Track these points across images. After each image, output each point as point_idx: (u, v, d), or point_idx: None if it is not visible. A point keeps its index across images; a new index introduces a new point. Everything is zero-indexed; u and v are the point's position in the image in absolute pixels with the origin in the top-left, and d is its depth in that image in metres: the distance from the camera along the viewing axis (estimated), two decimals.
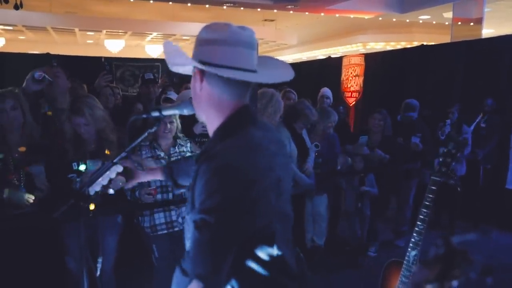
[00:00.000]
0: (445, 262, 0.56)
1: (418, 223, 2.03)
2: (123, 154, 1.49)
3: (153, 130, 1.49)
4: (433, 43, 8.65)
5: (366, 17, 11.74)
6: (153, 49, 16.45)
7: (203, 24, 1.28)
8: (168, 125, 2.84)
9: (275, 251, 1.20)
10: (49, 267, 2.62)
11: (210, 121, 1.30)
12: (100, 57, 9.02)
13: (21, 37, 16.94)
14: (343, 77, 8.59)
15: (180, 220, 2.83)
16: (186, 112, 1.36)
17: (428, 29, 13.42)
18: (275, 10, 10.96)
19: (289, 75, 1.32)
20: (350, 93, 8.42)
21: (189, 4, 10.29)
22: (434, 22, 12.63)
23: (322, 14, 11.18)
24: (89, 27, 14.28)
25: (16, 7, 4.64)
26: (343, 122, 6.24)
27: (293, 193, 1.34)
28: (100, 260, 2.39)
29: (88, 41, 18.03)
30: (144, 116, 1.48)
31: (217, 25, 1.25)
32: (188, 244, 1.28)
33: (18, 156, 2.51)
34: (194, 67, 1.26)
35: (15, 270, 2.45)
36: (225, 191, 1.10)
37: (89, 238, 2.41)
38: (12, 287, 2.49)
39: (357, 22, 13.02)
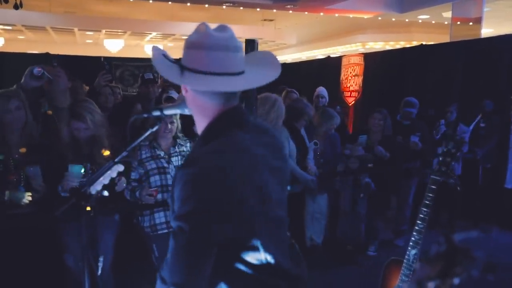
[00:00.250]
0: (447, 260, 0.56)
1: (418, 222, 2.03)
2: (124, 154, 1.49)
3: (154, 129, 1.49)
4: (432, 43, 8.67)
5: (366, 16, 11.76)
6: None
7: (201, 23, 1.27)
8: (169, 125, 2.85)
9: (262, 255, 1.19)
10: (47, 265, 2.62)
11: (198, 124, 1.30)
12: (100, 57, 9.02)
13: (21, 37, 16.93)
14: (342, 76, 8.59)
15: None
16: (187, 111, 1.36)
17: (427, 28, 13.44)
18: (275, 10, 10.97)
19: (274, 74, 1.29)
20: (349, 92, 8.42)
21: (188, 4, 10.30)
22: (433, 22, 12.66)
23: (322, 13, 11.20)
24: (88, 27, 14.28)
25: (16, 7, 4.64)
26: (341, 122, 6.26)
27: (293, 191, 1.34)
28: (101, 259, 2.39)
29: (88, 41, 18.02)
30: (145, 115, 1.48)
31: (197, 27, 1.23)
32: None
33: (18, 156, 2.51)
34: None
35: (13, 269, 2.45)
36: (199, 197, 1.09)
37: (88, 237, 2.41)
38: (11, 286, 2.50)
39: (356, 22, 13.04)
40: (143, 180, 2.86)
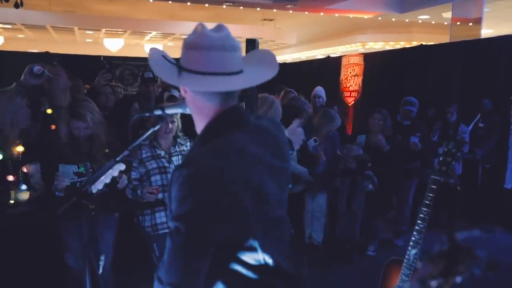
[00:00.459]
0: (449, 258, 0.57)
1: (419, 222, 2.04)
2: (126, 153, 1.49)
3: (156, 128, 1.50)
4: (432, 43, 8.68)
5: (366, 16, 11.76)
6: None
7: (199, 23, 1.27)
8: (170, 125, 2.85)
9: (260, 255, 1.20)
10: (48, 264, 2.62)
11: (197, 124, 1.30)
12: (99, 56, 9.02)
13: (20, 36, 16.93)
14: (342, 76, 8.61)
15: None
16: (189, 110, 1.36)
17: (427, 29, 13.45)
18: (275, 10, 10.97)
19: (271, 73, 1.28)
20: (349, 92, 8.43)
21: (188, 3, 10.29)
22: (433, 22, 12.67)
23: (322, 13, 11.20)
24: (88, 26, 14.28)
25: (16, 6, 4.64)
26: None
27: (293, 191, 1.33)
28: (102, 258, 2.39)
29: (87, 40, 18.02)
30: (147, 114, 1.48)
31: (195, 28, 1.23)
32: None
33: (16, 155, 2.51)
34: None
35: (14, 268, 2.45)
36: (195, 198, 1.09)
37: (89, 236, 2.41)
38: (11, 285, 2.50)
39: (356, 22, 13.04)
40: (143, 180, 2.86)
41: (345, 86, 8.53)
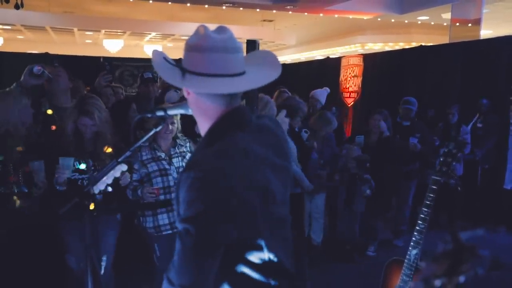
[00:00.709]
0: (453, 258, 0.57)
1: (419, 222, 2.04)
2: (128, 153, 1.50)
3: (158, 129, 1.50)
4: (431, 44, 8.69)
5: (365, 17, 11.78)
6: (151, 49, 16.41)
7: (200, 24, 1.28)
8: (170, 126, 2.85)
9: (266, 254, 1.21)
10: (49, 265, 2.62)
11: (201, 126, 1.30)
12: (99, 57, 9.02)
13: (20, 37, 16.92)
14: (341, 77, 8.61)
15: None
16: (191, 111, 1.37)
17: (427, 30, 13.47)
18: (274, 11, 10.98)
19: (275, 74, 1.29)
20: (348, 93, 8.44)
21: (188, 4, 10.30)
22: (432, 23, 12.69)
23: (321, 14, 11.21)
24: (87, 27, 14.28)
25: (17, 7, 4.65)
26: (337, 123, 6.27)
27: (293, 192, 1.34)
28: (104, 258, 2.40)
29: (87, 41, 18.02)
30: (149, 115, 1.48)
31: (197, 30, 1.23)
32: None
33: (16, 156, 2.51)
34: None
35: (15, 268, 2.45)
36: (204, 200, 1.09)
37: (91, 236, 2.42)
38: (12, 285, 2.50)
39: (356, 23, 13.07)
40: (144, 181, 2.86)
41: (344, 87, 8.53)
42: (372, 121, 4.54)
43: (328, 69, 9.00)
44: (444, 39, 9.87)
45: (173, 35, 15.33)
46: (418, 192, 4.75)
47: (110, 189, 1.66)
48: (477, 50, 6.01)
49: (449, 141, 2.03)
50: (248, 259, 1.20)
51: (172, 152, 2.92)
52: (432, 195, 2.01)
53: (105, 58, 9.03)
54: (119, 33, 15.43)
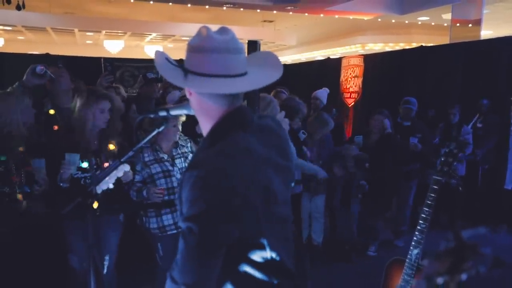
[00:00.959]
0: (455, 256, 0.58)
1: (420, 222, 2.05)
2: (130, 153, 1.51)
3: (161, 129, 1.51)
4: (432, 44, 8.69)
5: (366, 18, 11.79)
6: (152, 50, 16.45)
7: (202, 25, 1.28)
8: (173, 128, 2.85)
9: (268, 253, 1.21)
10: (51, 264, 2.63)
11: (203, 126, 1.31)
12: (100, 58, 9.03)
13: (20, 38, 16.94)
14: (342, 78, 8.62)
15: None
16: (193, 112, 1.37)
17: (427, 30, 13.48)
18: (275, 11, 10.99)
19: (276, 75, 1.30)
20: (349, 94, 8.45)
21: (189, 5, 10.31)
22: (432, 24, 12.70)
23: (322, 15, 11.22)
24: (88, 28, 14.29)
25: (18, 8, 4.66)
26: (337, 125, 6.28)
27: (293, 192, 1.35)
28: (107, 258, 2.41)
29: (87, 42, 18.04)
30: (152, 115, 1.49)
31: (199, 31, 1.24)
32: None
33: (18, 156, 2.52)
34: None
35: (17, 267, 2.46)
36: (206, 199, 1.11)
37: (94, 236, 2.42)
38: (14, 284, 2.50)
39: (356, 23, 13.07)
40: (147, 182, 2.87)
41: (345, 87, 8.54)
42: (372, 121, 4.55)
43: (329, 69, 9.00)
44: (444, 40, 9.88)
45: (174, 35, 15.34)
46: (419, 192, 4.76)
47: (111, 185, 1.66)
48: (477, 51, 6.02)
49: (450, 141, 2.04)
50: (251, 258, 1.21)
51: (174, 153, 2.93)
52: (433, 195, 2.02)
53: (106, 59, 9.06)
54: (119, 34, 15.45)
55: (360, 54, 8.97)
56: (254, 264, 1.22)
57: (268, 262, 1.23)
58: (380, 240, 4.67)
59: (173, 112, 1.47)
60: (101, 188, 1.58)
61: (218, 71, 1.21)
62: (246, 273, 1.21)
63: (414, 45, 11.73)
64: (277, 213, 1.26)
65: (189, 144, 3.04)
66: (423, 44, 7.69)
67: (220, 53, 1.21)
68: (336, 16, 11.51)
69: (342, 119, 7.67)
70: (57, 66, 3.19)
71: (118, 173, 1.55)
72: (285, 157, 1.34)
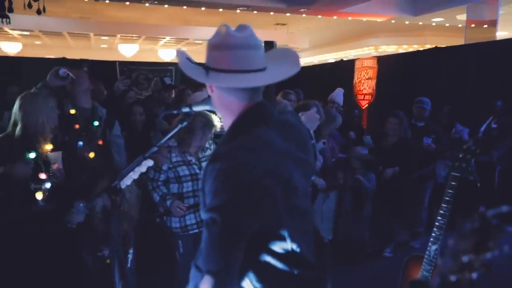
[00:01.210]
0: (480, 235, 0.60)
1: (439, 218, 2.06)
2: (154, 149, 1.55)
3: (184, 125, 1.55)
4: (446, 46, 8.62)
5: (379, 20, 11.74)
6: (166, 53, 16.62)
7: (216, 28, 1.32)
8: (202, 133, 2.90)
9: (289, 244, 1.24)
10: (63, 258, 2.65)
11: (225, 121, 1.36)
12: (115, 61, 9.16)
13: (37, 42, 17.22)
14: (355, 80, 8.60)
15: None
16: (215, 108, 1.41)
17: (441, 32, 13.35)
18: (288, 14, 11.01)
19: (295, 69, 1.34)
20: (362, 96, 8.42)
21: (203, 9, 10.40)
22: (447, 25, 12.58)
23: (335, 17, 11.20)
24: (103, 32, 14.48)
25: (39, 12, 4.79)
26: (358, 126, 6.28)
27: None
28: (131, 251, 2.45)
29: (102, 46, 18.26)
30: (175, 111, 1.53)
31: (218, 29, 1.29)
32: None
33: (45, 154, 2.59)
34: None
35: (27, 261, 2.49)
36: (228, 191, 1.14)
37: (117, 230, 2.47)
38: (25, 279, 2.53)
39: (369, 26, 13.02)
40: (171, 183, 2.91)
41: (358, 89, 8.52)
42: (388, 123, 4.55)
43: (342, 71, 8.99)
44: (459, 41, 9.78)
45: (187, 39, 15.45)
46: (434, 193, 4.73)
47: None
48: (492, 52, 5.96)
49: (470, 137, 2.05)
50: (272, 249, 1.24)
51: (200, 156, 2.97)
52: (451, 191, 2.02)
53: (121, 63, 9.18)
54: (134, 38, 15.61)
55: (374, 56, 8.95)
56: (275, 255, 1.25)
57: (288, 253, 1.25)
58: (396, 242, 4.66)
59: (196, 108, 1.52)
60: (125, 183, 1.62)
61: (238, 66, 1.25)
62: (267, 263, 1.24)
63: (428, 47, 11.63)
64: (297, 205, 1.29)
65: (212, 147, 3.09)
66: (437, 46, 7.64)
67: (240, 50, 1.25)
68: (349, 18, 11.48)
69: (360, 122, 7.64)
70: (81, 68, 3.28)
71: (141, 168, 1.59)
72: (305, 151, 1.37)
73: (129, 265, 2.32)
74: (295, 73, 1.34)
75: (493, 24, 9.14)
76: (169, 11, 11.98)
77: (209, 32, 1.31)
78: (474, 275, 0.61)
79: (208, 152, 3.03)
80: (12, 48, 15.33)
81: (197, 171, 2.91)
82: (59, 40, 16.40)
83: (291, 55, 1.41)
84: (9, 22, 4.39)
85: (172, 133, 1.55)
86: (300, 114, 3.36)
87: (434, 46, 7.74)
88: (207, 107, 1.47)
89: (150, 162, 1.59)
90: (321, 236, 4.27)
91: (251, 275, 1.25)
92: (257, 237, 1.20)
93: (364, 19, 11.58)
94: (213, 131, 2.96)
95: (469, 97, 5.99)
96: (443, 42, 12.00)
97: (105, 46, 18.24)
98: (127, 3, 9.89)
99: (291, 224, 1.25)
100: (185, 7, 10.43)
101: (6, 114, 4.02)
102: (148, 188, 2.94)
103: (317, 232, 1.42)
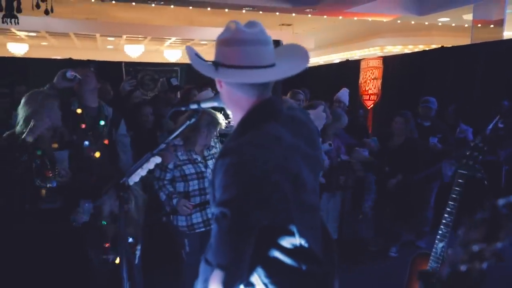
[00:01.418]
0: (491, 224, 0.60)
1: (446, 215, 2.05)
2: (162, 146, 1.56)
3: (192, 122, 1.55)
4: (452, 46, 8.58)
5: (385, 20, 11.71)
6: (171, 54, 16.66)
7: (221, 29, 1.33)
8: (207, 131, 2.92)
9: (297, 240, 1.25)
10: (69, 256, 2.67)
11: (234, 116, 1.37)
12: (120, 62, 9.20)
13: (44, 43, 17.33)
14: (361, 80, 8.59)
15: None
16: (223, 104, 1.42)
17: (447, 32, 13.29)
18: (294, 14, 11.01)
19: (304, 64, 1.34)
20: (368, 96, 8.40)
21: (208, 9, 10.42)
22: (453, 25, 12.51)
23: (340, 17, 11.18)
24: (110, 33, 14.55)
25: (47, 12, 4.83)
26: (362, 126, 6.26)
27: None
28: (139, 247, 2.46)
29: (108, 47, 18.35)
30: (183, 108, 1.54)
31: (227, 25, 1.30)
32: None
33: (51, 152, 2.62)
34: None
35: (33, 258, 2.51)
36: (239, 185, 1.15)
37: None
38: (30, 275, 2.54)
39: (375, 26, 12.98)
40: (177, 181, 2.92)
41: (364, 89, 8.50)
42: (394, 124, 4.54)
43: (348, 71, 8.97)
44: (465, 41, 9.71)
45: (193, 39, 15.48)
46: (440, 192, 4.72)
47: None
48: (499, 51, 5.93)
49: (478, 135, 2.04)
50: (280, 244, 1.24)
51: (206, 154, 2.99)
52: (458, 189, 2.02)
53: (127, 63, 9.22)
54: (140, 39, 15.67)
55: (380, 55, 8.93)
56: (283, 250, 1.25)
57: (297, 249, 1.26)
58: (402, 241, 4.64)
59: (204, 105, 1.52)
60: (133, 180, 1.63)
61: (248, 62, 1.25)
62: (276, 258, 1.25)
63: (434, 47, 11.59)
64: (306, 201, 1.29)
65: (217, 145, 3.10)
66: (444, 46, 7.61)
67: (250, 45, 1.25)
68: (355, 18, 11.46)
69: (365, 122, 7.63)
70: (87, 68, 3.33)
71: (149, 165, 1.60)
72: (314, 147, 1.37)
73: (136, 261, 2.33)
74: (302, 71, 1.35)
75: (500, 23, 9.07)
76: (174, 12, 12.02)
77: (214, 32, 1.32)
78: (485, 265, 0.61)
79: (214, 151, 3.04)
80: (18, 49, 15.44)
81: (203, 169, 2.92)
82: (65, 41, 16.49)
83: (300, 51, 1.41)
84: (18, 23, 4.43)
85: (180, 130, 1.56)
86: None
87: (440, 46, 7.71)
88: (215, 104, 1.48)
89: (158, 159, 1.59)
90: (329, 232, 4.27)
91: (259, 270, 1.25)
92: (266, 232, 1.21)
93: (370, 19, 11.55)
94: (218, 129, 2.96)
95: (476, 97, 5.96)
96: (449, 42, 11.93)
97: (111, 47, 18.33)
98: (133, 3, 9.93)
99: (300, 220, 1.26)
100: (190, 7, 10.46)
101: (15, 114, 4.07)
102: (154, 188, 2.96)
103: (325, 228, 1.42)
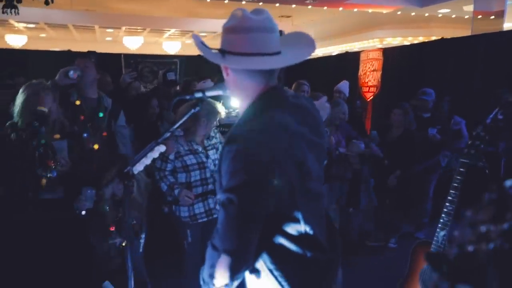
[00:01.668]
0: (498, 205, 0.61)
1: (447, 204, 2.07)
2: (167, 135, 1.57)
3: (196, 110, 1.56)
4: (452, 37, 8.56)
5: (385, 11, 11.66)
6: (170, 46, 16.59)
7: (221, 20, 1.34)
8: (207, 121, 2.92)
9: (302, 227, 1.26)
10: (71, 244, 2.69)
11: (240, 103, 1.38)
12: (120, 54, 9.18)
13: (42, 35, 17.25)
14: (360, 71, 8.58)
15: (218, 207, 2.91)
16: (228, 92, 1.43)
17: (447, 23, 13.24)
18: (293, 5, 10.95)
19: (309, 51, 1.36)
20: (367, 88, 8.40)
21: (208, 0, 10.37)
22: (453, 16, 12.47)
23: (341, 8, 11.13)
24: (109, 24, 14.49)
25: (47, 3, 4.81)
26: (359, 117, 6.27)
27: None
28: (143, 236, 2.47)
29: (107, 38, 18.27)
30: (188, 97, 1.55)
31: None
32: None
33: (53, 144, 2.63)
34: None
35: (35, 247, 2.52)
36: (246, 171, 1.16)
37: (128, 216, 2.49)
38: (34, 266, 2.56)
39: (374, 18, 12.93)
40: (178, 172, 2.93)
41: (363, 81, 8.50)
42: (393, 115, 4.54)
43: (347, 63, 8.96)
44: (465, 33, 9.65)
45: (192, 31, 15.41)
46: (439, 183, 4.74)
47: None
48: (500, 42, 5.93)
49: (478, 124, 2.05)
50: (286, 231, 1.26)
51: (206, 144, 2.99)
52: (459, 177, 2.03)
53: (126, 55, 9.20)
54: (138, 30, 15.61)
55: (379, 47, 8.91)
56: (288, 237, 1.27)
57: (302, 236, 1.27)
58: (401, 233, 4.67)
59: (209, 93, 1.53)
60: (137, 169, 1.64)
61: (254, 49, 1.26)
62: (281, 245, 1.26)
63: (434, 39, 11.56)
64: (311, 189, 1.30)
65: (217, 135, 3.10)
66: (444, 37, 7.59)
67: (257, 32, 1.26)
68: (355, 10, 11.41)
69: (363, 114, 7.64)
70: (88, 59, 3.33)
71: (154, 154, 1.61)
72: (319, 135, 1.38)
73: (141, 249, 2.35)
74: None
75: (500, 15, 9.04)
76: (174, 3, 11.96)
77: (214, 24, 1.32)
78: (491, 246, 0.62)
79: (214, 141, 3.04)
80: (17, 41, 15.34)
81: (204, 159, 2.93)
82: (64, 32, 16.41)
83: (305, 39, 1.42)
84: (18, 13, 4.42)
85: (185, 118, 1.56)
86: None
87: (440, 37, 7.69)
88: (221, 92, 1.48)
89: (162, 148, 1.60)
90: (332, 220, 4.29)
91: (265, 256, 1.27)
92: (272, 219, 1.22)
93: (370, 10, 11.50)
94: (217, 119, 2.97)
95: (476, 89, 5.97)
96: (450, 34, 11.88)
97: (110, 38, 18.25)
98: None
99: (305, 207, 1.27)
100: None
101: (12, 104, 4.08)
102: (155, 178, 2.97)
103: (328, 216, 1.43)
